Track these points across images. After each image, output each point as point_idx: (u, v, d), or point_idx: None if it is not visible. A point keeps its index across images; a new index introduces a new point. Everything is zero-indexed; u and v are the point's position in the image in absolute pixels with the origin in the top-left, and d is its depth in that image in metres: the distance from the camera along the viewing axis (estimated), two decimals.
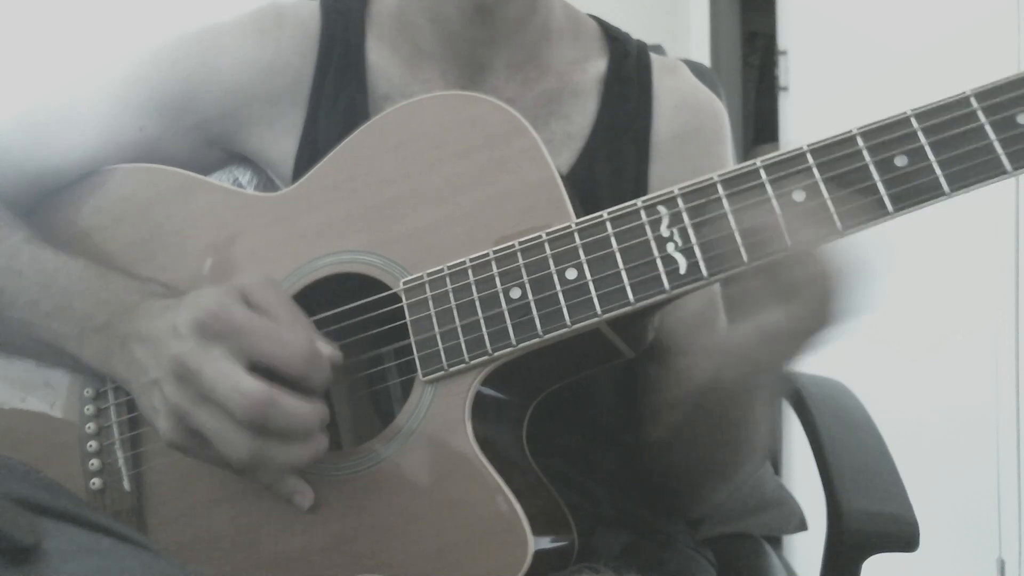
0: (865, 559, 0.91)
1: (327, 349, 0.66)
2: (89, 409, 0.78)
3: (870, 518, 0.91)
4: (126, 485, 0.76)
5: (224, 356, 0.63)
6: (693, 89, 0.93)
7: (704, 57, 3.17)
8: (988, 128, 0.57)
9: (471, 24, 0.83)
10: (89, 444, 0.77)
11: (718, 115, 0.94)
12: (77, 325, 0.74)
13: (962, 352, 2.05)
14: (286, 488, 0.69)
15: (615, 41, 0.93)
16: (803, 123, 2.55)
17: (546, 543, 0.66)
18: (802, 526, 1.19)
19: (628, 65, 0.91)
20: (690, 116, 0.91)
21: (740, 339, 0.64)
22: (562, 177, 0.69)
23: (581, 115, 0.89)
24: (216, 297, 0.65)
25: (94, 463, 0.77)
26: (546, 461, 0.75)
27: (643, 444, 0.91)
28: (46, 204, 0.85)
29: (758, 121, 3.89)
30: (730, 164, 0.93)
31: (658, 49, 1.01)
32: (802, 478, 0.87)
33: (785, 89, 2.65)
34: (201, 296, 0.66)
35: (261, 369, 0.63)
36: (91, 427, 0.78)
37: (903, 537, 0.89)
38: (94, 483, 0.77)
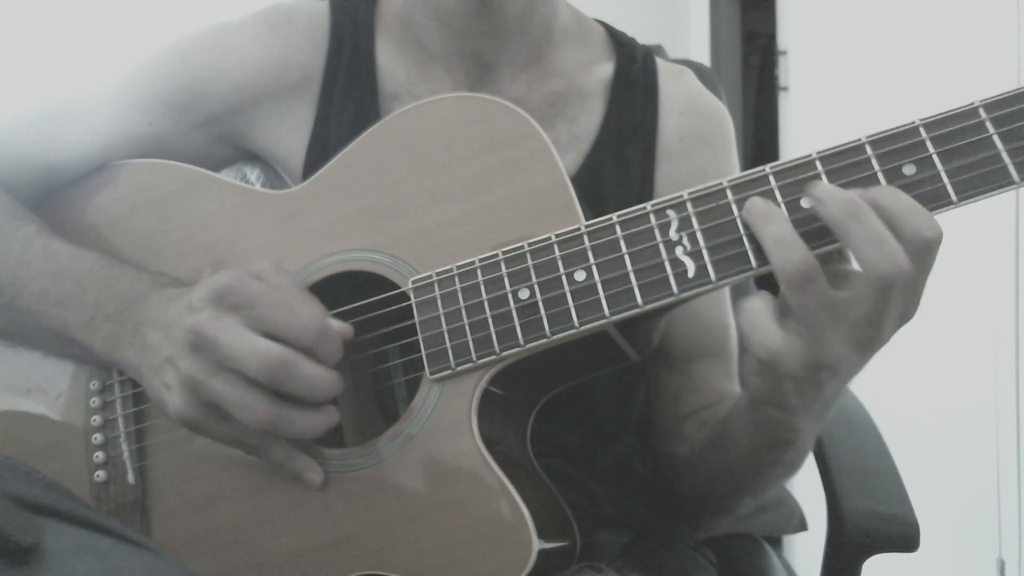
0: (865, 559, 0.91)
1: (337, 324, 0.68)
2: (95, 401, 0.78)
3: (870, 518, 0.91)
4: (130, 478, 0.76)
5: (239, 325, 0.64)
6: (699, 95, 0.94)
7: (704, 57, 3.17)
8: (996, 139, 0.57)
9: (473, 18, 0.83)
10: (94, 436, 0.77)
11: (723, 121, 0.94)
12: (87, 314, 0.74)
13: (962, 352, 2.05)
14: (297, 465, 0.69)
15: (622, 46, 0.93)
16: (803, 123, 2.55)
17: (549, 543, 0.66)
18: (802, 526, 1.19)
19: (635, 69, 0.91)
20: (696, 121, 0.92)
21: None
22: (571, 180, 0.70)
23: (587, 117, 0.89)
24: (231, 273, 0.67)
25: (99, 455, 0.77)
26: (547, 461, 0.75)
27: (660, 457, 0.91)
28: (56, 198, 0.86)
29: (758, 121, 3.90)
30: (737, 169, 0.93)
31: (658, 49, 1.02)
32: (802, 478, 0.88)
33: (785, 89, 2.65)
34: (215, 275, 0.68)
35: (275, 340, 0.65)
36: (97, 419, 0.78)
37: (903, 537, 0.90)
38: (98, 475, 0.77)
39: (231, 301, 0.65)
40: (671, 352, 0.90)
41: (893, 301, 0.57)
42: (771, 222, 0.59)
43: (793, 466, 0.76)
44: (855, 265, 0.58)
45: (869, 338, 0.58)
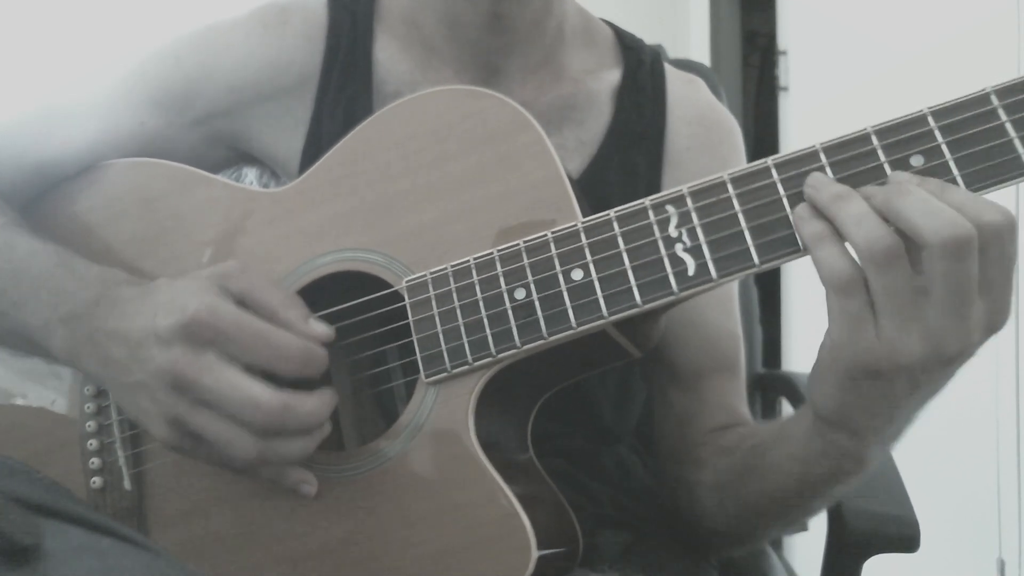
0: (866, 559, 0.91)
1: (319, 328, 0.65)
2: (89, 407, 0.77)
3: (871, 518, 0.90)
4: (127, 484, 0.76)
5: (221, 363, 0.62)
6: (708, 105, 0.93)
7: (704, 57, 3.17)
8: (1009, 126, 0.55)
9: (487, 31, 0.82)
10: (89, 442, 0.77)
11: (732, 132, 0.93)
12: (43, 316, 0.71)
13: None
14: (290, 480, 0.68)
15: (630, 50, 0.92)
16: (803, 123, 2.55)
17: (550, 546, 0.65)
18: (802, 526, 1.19)
19: (643, 75, 0.90)
20: (705, 131, 0.91)
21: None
22: (574, 182, 0.68)
23: (594, 122, 0.88)
24: (197, 298, 0.63)
25: (95, 462, 0.76)
26: (548, 461, 0.75)
27: (676, 483, 0.88)
28: (46, 198, 0.85)
29: (758, 121, 3.90)
30: None
31: (658, 49, 1.01)
32: None
33: (785, 89, 2.65)
34: (179, 295, 0.64)
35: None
36: (91, 425, 0.77)
37: (904, 538, 0.89)
38: (95, 482, 0.76)
39: (203, 336, 0.62)
40: (680, 368, 0.87)
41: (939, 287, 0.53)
42: (848, 201, 0.55)
43: (833, 501, 0.73)
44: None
45: (952, 335, 0.54)
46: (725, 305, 0.89)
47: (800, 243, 0.58)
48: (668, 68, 0.93)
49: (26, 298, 0.73)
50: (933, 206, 0.53)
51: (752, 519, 0.78)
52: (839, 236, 0.56)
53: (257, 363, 0.62)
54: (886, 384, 0.57)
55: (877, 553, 0.90)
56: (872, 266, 0.54)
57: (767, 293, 1.50)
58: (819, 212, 0.57)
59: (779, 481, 0.70)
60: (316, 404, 0.63)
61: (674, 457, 0.88)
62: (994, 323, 0.56)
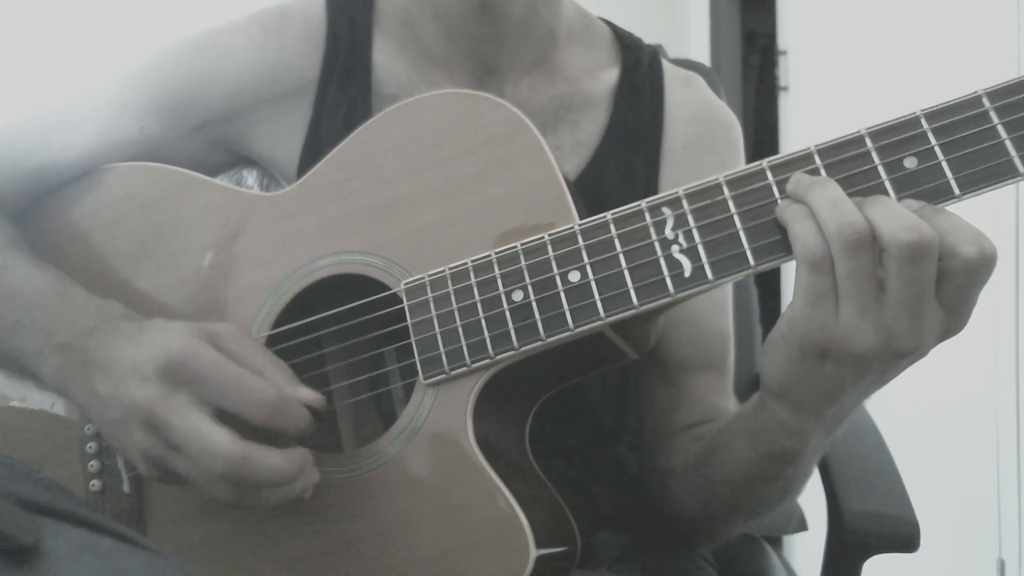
0: (866, 559, 0.90)
1: (304, 392, 0.65)
2: None
3: (871, 518, 0.90)
4: (126, 487, 0.76)
5: (191, 405, 0.61)
6: (707, 103, 0.93)
7: (704, 57, 3.16)
8: (1001, 129, 0.56)
9: (474, 20, 0.82)
10: (89, 445, 0.77)
11: (731, 129, 0.93)
12: (37, 343, 0.71)
13: (962, 352, 2.05)
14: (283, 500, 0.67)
15: (628, 49, 0.92)
16: (803, 123, 2.55)
17: (548, 547, 0.66)
18: (802, 526, 1.19)
19: (640, 74, 0.90)
20: (703, 130, 0.90)
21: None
22: (570, 183, 0.69)
23: (591, 123, 0.88)
24: (182, 340, 0.64)
25: (94, 464, 0.76)
26: (546, 462, 0.75)
27: (650, 472, 0.88)
28: (45, 201, 0.84)
29: (758, 121, 3.89)
30: None
31: (658, 49, 1.01)
32: None
33: (785, 89, 2.65)
34: (166, 335, 0.65)
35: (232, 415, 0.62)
36: (90, 428, 0.77)
37: (904, 538, 0.89)
38: (94, 484, 0.76)
39: (180, 377, 0.62)
40: (668, 362, 0.88)
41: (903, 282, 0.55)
42: (826, 187, 0.57)
43: (790, 489, 0.73)
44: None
45: (904, 334, 0.56)
46: (719, 304, 0.89)
47: (780, 220, 0.59)
48: (666, 66, 0.93)
49: (20, 324, 0.72)
50: (897, 211, 0.55)
51: (714, 505, 0.78)
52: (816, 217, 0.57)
53: (226, 406, 0.62)
54: (833, 366, 0.58)
55: (877, 553, 0.90)
56: (840, 249, 0.56)
57: (767, 293, 1.50)
58: (799, 198, 0.59)
59: (732, 460, 0.72)
60: (280, 461, 0.62)
61: (651, 446, 0.89)
62: (949, 331, 0.58)
